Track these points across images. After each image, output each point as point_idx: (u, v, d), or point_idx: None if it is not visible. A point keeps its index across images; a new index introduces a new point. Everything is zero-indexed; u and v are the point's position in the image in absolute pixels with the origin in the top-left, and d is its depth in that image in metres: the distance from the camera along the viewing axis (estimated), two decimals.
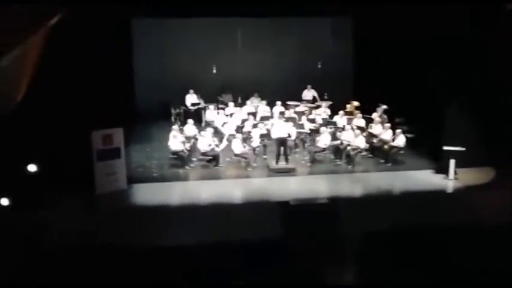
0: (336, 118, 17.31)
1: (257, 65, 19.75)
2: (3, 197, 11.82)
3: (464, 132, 14.77)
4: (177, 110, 18.73)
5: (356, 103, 18.10)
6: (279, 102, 17.79)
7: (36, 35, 11.05)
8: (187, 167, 15.31)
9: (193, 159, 15.63)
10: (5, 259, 10.15)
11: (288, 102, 18.20)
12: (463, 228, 11.56)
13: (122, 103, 16.56)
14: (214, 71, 18.81)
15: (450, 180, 14.80)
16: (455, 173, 14.83)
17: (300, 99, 18.98)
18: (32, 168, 12.50)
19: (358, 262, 10.79)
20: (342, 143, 15.91)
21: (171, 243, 11.11)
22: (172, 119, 18.68)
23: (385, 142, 16.01)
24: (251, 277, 9.89)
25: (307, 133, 16.77)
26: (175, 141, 15.23)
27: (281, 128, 15.44)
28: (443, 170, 15.04)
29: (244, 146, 15.38)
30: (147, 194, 13.82)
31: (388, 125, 16.28)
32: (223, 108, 17.95)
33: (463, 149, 14.63)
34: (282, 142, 15.31)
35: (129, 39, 18.20)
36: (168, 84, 18.95)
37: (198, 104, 18.59)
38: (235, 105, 17.87)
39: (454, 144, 14.77)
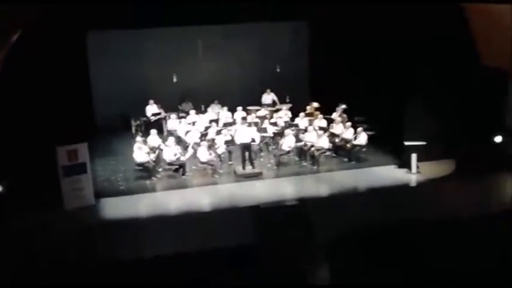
0: (297, 120, 17.55)
1: (216, 72, 19.85)
2: None
3: (424, 126, 15.20)
4: (138, 122, 18.56)
5: (316, 104, 18.37)
6: (240, 108, 17.92)
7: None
8: (153, 178, 15.20)
9: (159, 169, 15.54)
10: None
11: (249, 107, 18.34)
12: (427, 220, 11.91)
13: (82, 118, 16.36)
14: (175, 79, 18.73)
15: (413, 174, 15.23)
16: (418, 166, 15.26)
17: (259, 103, 19.13)
18: None
19: (330, 261, 10.95)
20: (305, 145, 16.13)
21: (144, 255, 11.06)
22: (133, 130, 18.50)
23: (347, 141, 16.33)
24: (226, 284, 9.95)
25: (270, 137, 16.93)
26: (140, 152, 15.11)
27: (245, 133, 15.55)
28: (405, 164, 15.45)
29: (210, 153, 15.40)
30: (116, 207, 13.66)
31: (349, 123, 16.62)
32: (184, 117, 17.90)
33: (424, 143, 15.07)
34: (246, 147, 15.43)
35: (85, 51, 17.93)
36: (127, 96, 18.72)
37: (159, 114, 18.49)
38: (197, 113, 17.85)
39: (415, 138, 15.19)
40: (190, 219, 13.10)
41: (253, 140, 15.78)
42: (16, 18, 12.72)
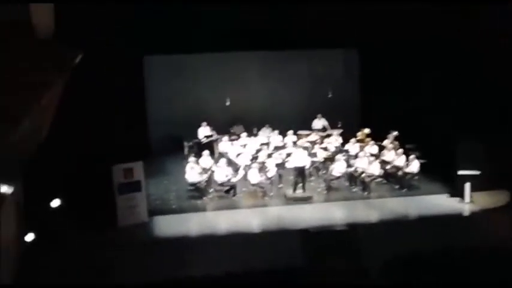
0: (347, 146, 17.57)
1: (267, 96, 20.08)
2: (28, 232, 11.95)
3: (478, 156, 14.98)
4: (190, 143, 18.92)
5: (367, 130, 18.32)
6: (290, 132, 18.06)
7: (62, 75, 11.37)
8: (205, 198, 15.47)
9: (211, 190, 15.80)
10: None
11: (300, 132, 18.47)
12: (480, 250, 11.69)
13: (138, 138, 16.85)
14: (228, 103, 19.09)
15: (466, 204, 15.00)
16: (471, 196, 15.01)
17: (310, 128, 19.23)
18: (55, 203, 12.68)
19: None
20: (356, 170, 16.11)
21: (194, 274, 11.24)
22: (186, 151, 18.85)
23: (398, 168, 16.22)
24: None
25: (320, 161, 16.98)
26: (193, 172, 15.43)
27: (298, 157, 15.64)
28: (458, 193, 15.23)
29: (261, 175, 15.57)
30: (168, 225, 13.97)
31: (401, 151, 16.52)
32: (236, 140, 18.18)
33: (478, 172, 14.85)
34: (299, 171, 15.51)
35: (142, 75, 18.51)
36: (181, 118, 19.13)
37: (211, 136, 18.82)
38: (248, 136, 18.11)
39: (468, 167, 14.97)
40: (239, 240, 13.22)
41: (305, 164, 15.86)
42: (77, 41, 13.30)
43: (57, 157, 13.09)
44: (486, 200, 15.10)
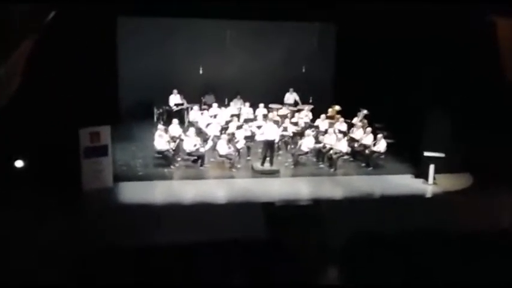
0: (317, 122, 17.64)
1: (240, 67, 19.90)
2: None
3: (443, 138, 15.21)
4: (160, 110, 18.75)
5: (337, 107, 18.41)
6: (261, 105, 18.02)
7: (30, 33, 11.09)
8: (172, 167, 15.39)
9: (178, 159, 15.73)
10: None
11: (271, 105, 18.45)
12: (440, 232, 11.91)
13: (106, 102, 16.56)
14: (201, 71, 18.90)
15: (429, 185, 15.25)
16: (434, 178, 15.27)
17: (282, 102, 19.22)
18: (18, 164, 12.45)
19: (340, 264, 11.01)
20: (324, 147, 16.20)
21: (158, 242, 11.22)
22: (155, 118, 18.70)
23: (366, 146, 16.38)
24: (234, 277, 10.07)
25: (290, 136, 17.01)
26: (161, 140, 15.31)
27: (269, 131, 15.62)
28: (422, 174, 15.47)
29: (229, 147, 15.54)
30: (133, 192, 13.89)
31: (370, 129, 16.66)
32: (206, 109, 18.07)
33: (443, 155, 15.09)
34: (269, 144, 15.50)
35: (114, 37, 18.12)
36: (151, 84, 18.89)
37: (182, 104, 18.66)
38: (219, 107, 18.01)
39: (434, 149, 15.20)
40: (204, 210, 13.25)
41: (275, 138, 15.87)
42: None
43: (23, 117, 12.82)
44: (449, 182, 15.38)
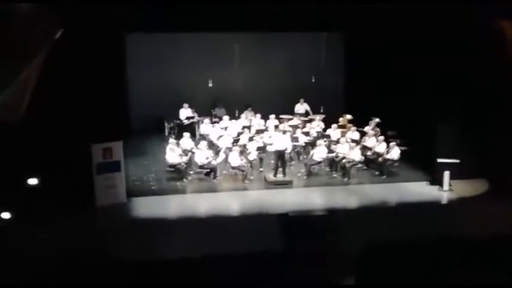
0: (329, 131, 17.55)
1: (250, 78, 19.92)
2: (4, 210, 11.76)
3: (458, 145, 15.08)
4: (171, 124, 18.78)
5: (349, 116, 18.33)
6: (272, 116, 17.99)
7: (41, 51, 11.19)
8: (184, 180, 15.37)
9: (191, 172, 15.70)
10: (5, 274, 10.09)
11: (282, 116, 18.41)
12: (458, 238, 11.79)
13: (118, 118, 16.62)
14: (210, 84, 18.95)
15: (445, 192, 15.10)
16: (450, 184, 15.12)
17: (292, 113, 19.18)
18: (32, 181, 12.49)
19: (357, 272, 10.91)
20: (337, 156, 16.12)
21: (172, 256, 11.18)
22: (166, 132, 18.73)
23: (379, 155, 16.27)
24: None
25: (302, 146, 16.95)
26: (173, 154, 15.31)
27: (279, 141, 15.60)
28: (437, 181, 15.33)
29: (241, 158, 15.51)
30: (147, 207, 13.87)
31: (382, 137, 16.56)
32: (217, 122, 18.07)
33: (457, 161, 14.96)
34: (280, 155, 15.48)
35: (123, 53, 18.22)
36: (162, 99, 18.96)
37: (193, 117, 18.68)
38: (230, 119, 18.01)
39: (448, 156, 15.07)
40: (218, 223, 13.20)
41: (285, 149, 15.83)
42: (57, 18, 13.06)
43: (36, 134, 12.89)
44: (465, 188, 15.25)
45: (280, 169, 15.58)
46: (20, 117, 10.85)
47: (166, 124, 18.90)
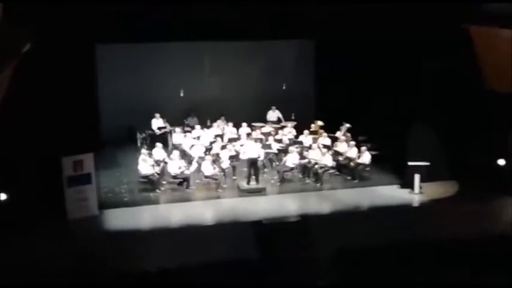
0: (301, 138, 17.67)
1: (221, 88, 19.98)
2: None
3: (428, 147, 15.30)
4: (143, 135, 18.68)
5: (320, 122, 18.47)
6: (245, 124, 18.07)
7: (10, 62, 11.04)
8: (158, 191, 15.30)
9: (164, 182, 15.63)
10: None
11: (254, 124, 18.48)
12: (428, 241, 11.94)
13: (88, 129, 16.46)
14: (182, 94, 18.92)
15: (416, 195, 15.30)
16: (420, 187, 15.33)
17: (265, 120, 19.26)
18: (2, 196, 12.30)
19: (331, 277, 10.97)
20: (309, 162, 16.23)
21: (147, 267, 11.10)
22: (139, 143, 18.61)
23: (351, 159, 16.44)
24: None
25: (274, 153, 17.03)
26: (145, 165, 15.24)
27: (251, 149, 15.66)
28: (408, 184, 15.53)
29: (214, 167, 15.50)
30: (120, 219, 13.77)
31: (353, 143, 16.74)
32: (189, 131, 18.04)
33: (427, 163, 15.16)
34: (252, 162, 15.55)
35: (94, 64, 18.07)
36: (133, 109, 18.82)
37: (165, 127, 18.61)
38: (202, 128, 18.01)
39: (418, 159, 15.28)
40: (192, 233, 13.17)
41: (258, 156, 15.88)
42: (26, 29, 12.92)
43: (4, 148, 12.70)
44: (435, 190, 15.48)
45: (253, 177, 15.63)
46: None
47: (138, 135, 18.77)
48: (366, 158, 16.19)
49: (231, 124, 18.28)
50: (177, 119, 18.97)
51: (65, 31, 14.48)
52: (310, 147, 16.76)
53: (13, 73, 12.92)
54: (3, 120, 12.50)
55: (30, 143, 13.24)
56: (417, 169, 15.26)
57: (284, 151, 16.85)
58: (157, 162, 15.67)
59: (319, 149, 16.37)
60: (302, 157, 16.40)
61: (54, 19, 13.91)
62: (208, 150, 16.42)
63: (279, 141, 17.44)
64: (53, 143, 13.51)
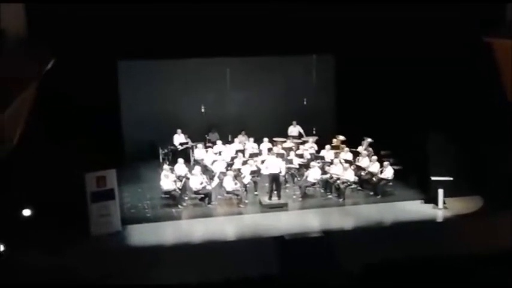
0: (323, 153, 17.62)
1: (242, 103, 20.07)
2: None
3: (451, 162, 15.15)
4: (165, 150, 18.79)
5: (342, 137, 18.42)
6: (266, 139, 18.07)
7: (33, 81, 11.23)
8: (180, 206, 15.35)
9: (185, 198, 15.69)
10: None
11: (275, 139, 18.47)
12: (454, 256, 11.76)
13: (111, 145, 16.66)
14: (203, 110, 19.03)
15: (439, 210, 15.14)
16: (444, 202, 15.16)
17: (286, 135, 19.25)
18: (26, 212, 12.43)
19: None
20: (331, 177, 16.16)
21: (170, 282, 11.12)
22: (161, 159, 18.72)
23: (373, 174, 16.32)
24: None
25: (296, 168, 16.98)
26: (167, 180, 15.31)
27: (273, 164, 15.63)
28: (431, 200, 15.37)
29: (236, 183, 15.51)
30: (142, 234, 13.82)
31: (375, 157, 16.63)
32: (211, 147, 18.11)
33: (451, 178, 15.00)
34: (274, 178, 15.51)
35: (116, 81, 18.30)
36: (155, 125, 19.03)
37: (186, 143, 18.72)
38: (223, 143, 18.06)
39: (442, 174, 15.12)
40: (214, 248, 13.15)
41: (279, 171, 15.84)
42: (48, 47, 13.16)
43: (28, 165, 12.88)
44: (459, 205, 15.32)
45: (275, 192, 15.59)
46: (12, 148, 10.84)
47: (160, 150, 18.89)
48: (389, 172, 16.06)
49: (252, 139, 18.31)
50: (199, 135, 19.09)
51: (87, 48, 14.75)
52: (331, 162, 16.71)
53: (37, 90, 13.16)
54: (27, 136, 12.71)
55: (55, 159, 13.43)
56: (441, 184, 15.11)
57: (306, 166, 16.79)
58: (179, 178, 15.74)
59: (341, 164, 16.29)
60: (324, 172, 16.35)
61: (76, 36, 14.17)
62: (229, 165, 16.44)
63: (301, 156, 17.40)
64: (77, 160, 13.70)
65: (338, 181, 15.99)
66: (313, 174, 16.03)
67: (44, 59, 12.99)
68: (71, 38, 14.10)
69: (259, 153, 17.40)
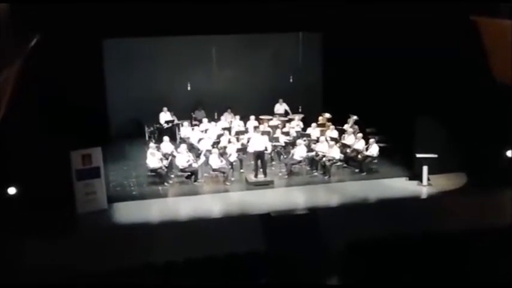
0: (309, 130, 17.69)
1: (228, 80, 19.98)
2: None
3: (436, 139, 15.26)
4: (151, 128, 18.75)
5: (327, 115, 18.49)
6: (252, 117, 18.09)
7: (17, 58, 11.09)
8: (166, 184, 15.36)
9: (172, 175, 15.70)
10: None
11: (261, 117, 18.49)
12: (436, 233, 11.91)
13: (97, 123, 16.54)
14: (189, 87, 18.95)
15: (424, 187, 15.28)
16: (428, 179, 15.30)
17: (272, 113, 19.27)
18: (11, 191, 12.38)
19: (337, 271, 11.00)
20: (317, 155, 16.23)
21: (156, 260, 11.14)
22: (147, 137, 18.69)
23: (358, 152, 16.42)
24: None
25: (282, 146, 17.03)
26: (153, 158, 15.29)
27: (258, 142, 15.67)
28: (416, 176, 15.51)
29: (222, 160, 15.54)
30: (129, 212, 13.84)
31: (360, 135, 16.73)
32: (197, 125, 18.09)
33: (435, 155, 15.12)
34: (259, 155, 15.55)
35: (101, 59, 18.12)
36: (141, 103, 18.92)
37: (172, 121, 18.68)
38: (209, 121, 18.04)
39: (427, 151, 15.24)
40: (200, 226, 13.22)
41: (265, 149, 15.89)
42: (33, 23, 12.99)
43: (12, 142, 12.78)
44: (444, 182, 15.46)
45: (261, 170, 15.64)
46: None
47: (146, 128, 18.85)
48: (374, 150, 16.17)
49: (238, 117, 18.30)
50: (185, 113, 19.06)
51: (71, 26, 14.54)
52: (317, 140, 16.77)
53: (21, 69, 13.01)
54: (12, 116, 12.59)
55: (39, 137, 13.33)
56: (425, 161, 15.23)
57: (292, 144, 16.85)
58: (165, 156, 15.73)
59: (326, 142, 16.35)
60: (310, 150, 16.41)
61: (61, 15, 13.96)
62: (215, 143, 16.44)
63: (287, 134, 17.45)
64: (62, 137, 13.60)
65: (324, 158, 16.07)
66: (299, 151, 16.08)
67: (27, 37, 12.84)
68: (54, 16, 13.89)
69: (246, 131, 17.41)
